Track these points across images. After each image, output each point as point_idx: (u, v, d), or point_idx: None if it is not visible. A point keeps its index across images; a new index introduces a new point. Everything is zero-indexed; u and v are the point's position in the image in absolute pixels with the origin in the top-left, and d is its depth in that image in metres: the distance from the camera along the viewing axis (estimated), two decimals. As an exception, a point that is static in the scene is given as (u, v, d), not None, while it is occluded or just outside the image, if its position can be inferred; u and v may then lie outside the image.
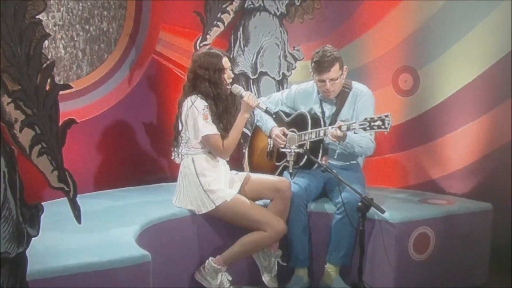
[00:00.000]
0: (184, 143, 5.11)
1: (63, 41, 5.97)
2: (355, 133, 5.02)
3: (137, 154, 6.45)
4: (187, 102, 5.04)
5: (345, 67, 5.27)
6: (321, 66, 5.17)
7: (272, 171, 5.47)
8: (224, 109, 5.06)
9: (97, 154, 6.18)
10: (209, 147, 5.05)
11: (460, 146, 5.71)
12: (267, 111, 5.17)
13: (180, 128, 5.10)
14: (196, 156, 5.08)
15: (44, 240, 3.59)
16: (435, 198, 5.55)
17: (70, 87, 3.29)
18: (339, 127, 4.96)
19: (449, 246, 5.17)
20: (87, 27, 6.13)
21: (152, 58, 6.51)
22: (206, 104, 5.01)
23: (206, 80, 4.99)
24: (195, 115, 4.99)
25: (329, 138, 5.05)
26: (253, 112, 5.27)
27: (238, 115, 5.10)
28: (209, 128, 4.98)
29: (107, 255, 4.08)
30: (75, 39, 6.07)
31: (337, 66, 5.20)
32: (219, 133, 4.99)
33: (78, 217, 3.24)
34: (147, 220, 4.80)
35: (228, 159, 5.16)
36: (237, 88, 5.13)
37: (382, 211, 4.68)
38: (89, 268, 3.94)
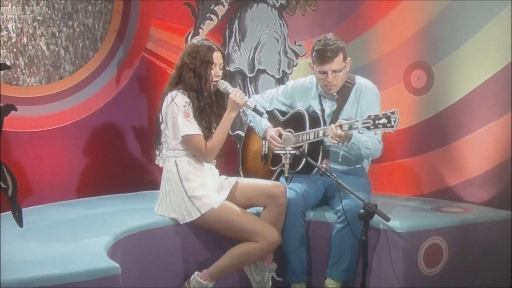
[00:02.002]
0: (166, 143, 4.95)
1: (43, 38, 5.93)
2: (359, 132, 4.84)
3: (126, 160, 6.40)
4: (167, 98, 4.89)
5: (348, 59, 5.12)
6: (323, 55, 5.01)
7: (267, 177, 5.31)
8: (207, 105, 4.92)
9: (82, 160, 6.13)
10: (191, 149, 4.88)
11: (480, 150, 5.51)
12: (255, 110, 4.98)
13: (162, 125, 4.95)
14: (179, 159, 4.92)
15: (6, 250, 3.53)
16: (450, 206, 5.40)
17: (8, 67, 3.06)
18: (340, 126, 4.74)
19: (465, 259, 5.00)
20: (70, 22, 6.11)
21: (142, 57, 6.50)
22: (188, 100, 4.85)
23: (191, 70, 4.86)
24: (175, 113, 4.83)
25: (329, 140, 4.84)
26: (245, 112, 5.02)
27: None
28: (190, 127, 4.82)
29: (70, 267, 3.91)
30: (57, 35, 6.04)
31: (340, 56, 5.05)
32: (201, 133, 4.84)
33: (19, 219, 2.97)
34: (123, 230, 4.67)
35: (211, 162, 5.00)
36: (224, 84, 4.93)
37: (387, 219, 4.44)
38: (49, 281, 3.77)
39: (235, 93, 4.88)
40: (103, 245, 4.30)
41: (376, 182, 5.52)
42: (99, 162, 6.18)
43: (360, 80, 5.24)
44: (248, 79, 6.35)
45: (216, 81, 4.92)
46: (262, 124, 5.33)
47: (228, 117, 4.90)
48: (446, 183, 5.70)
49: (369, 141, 4.98)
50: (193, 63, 4.87)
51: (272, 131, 5.26)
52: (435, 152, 5.73)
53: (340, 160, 5.18)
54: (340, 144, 4.91)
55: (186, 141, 4.85)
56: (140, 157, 6.31)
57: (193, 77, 4.86)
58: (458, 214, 5.19)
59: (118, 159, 6.33)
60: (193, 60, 4.87)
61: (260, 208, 4.99)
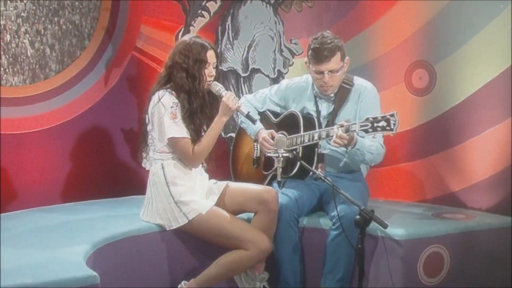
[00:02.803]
0: (152, 145, 4.88)
1: (28, 36, 5.87)
2: (359, 136, 4.80)
3: (114, 164, 6.36)
4: (154, 98, 4.82)
5: (347, 58, 5.06)
6: (319, 54, 4.94)
7: (259, 181, 5.23)
8: (198, 107, 4.84)
9: (68, 163, 6.09)
10: (176, 152, 4.81)
11: (484, 153, 5.50)
12: (248, 117, 4.91)
13: (148, 126, 4.88)
14: (166, 162, 4.84)
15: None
16: (452, 213, 5.35)
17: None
18: (342, 126, 4.68)
19: (467, 268, 4.96)
20: (56, 19, 6.04)
21: (131, 55, 6.47)
22: (176, 101, 4.77)
23: (183, 70, 4.78)
24: (161, 113, 4.75)
25: (332, 144, 4.77)
26: (237, 113, 4.98)
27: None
28: (177, 130, 4.74)
29: (46, 276, 3.80)
30: (42, 33, 5.97)
31: (338, 55, 4.98)
32: (188, 137, 4.77)
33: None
34: (105, 237, 4.60)
35: (197, 167, 4.93)
36: (217, 86, 4.85)
37: (385, 226, 4.37)
38: (21, 291, 3.70)
39: (228, 97, 4.80)
40: (83, 253, 4.24)
41: (375, 187, 5.50)
42: (86, 165, 6.12)
43: (358, 81, 5.18)
44: (241, 79, 6.31)
45: (210, 81, 4.85)
46: (254, 125, 5.24)
47: (219, 121, 4.82)
48: (448, 189, 5.68)
49: (373, 146, 4.94)
50: (185, 63, 4.78)
51: (264, 133, 5.20)
52: (437, 156, 5.72)
53: (341, 165, 5.14)
54: (344, 149, 4.88)
55: (172, 144, 4.77)
56: (129, 160, 6.23)
57: (186, 77, 4.78)
58: (460, 221, 5.15)
59: (106, 163, 6.28)
60: (185, 59, 4.79)
61: (251, 214, 4.94)
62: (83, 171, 6.10)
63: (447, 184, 5.70)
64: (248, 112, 4.92)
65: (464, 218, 5.20)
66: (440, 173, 5.72)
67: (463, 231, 4.98)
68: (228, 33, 6.29)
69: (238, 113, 4.95)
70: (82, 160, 6.11)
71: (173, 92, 4.78)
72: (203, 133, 4.84)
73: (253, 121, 4.98)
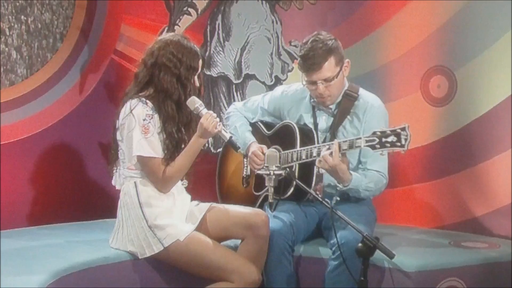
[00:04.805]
0: (123, 159, 4.83)
1: None
2: (360, 160, 4.96)
3: (87, 184, 6.34)
4: (126, 107, 4.74)
5: (346, 61, 5.00)
6: (308, 62, 4.91)
7: (249, 203, 5.17)
8: (185, 120, 4.80)
9: (36, 181, 6.03)
10: (145, 172, 4.75)
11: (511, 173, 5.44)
12: (230, 142, 4.83)
13: (118, 135, 4.83)
14: (140, 180, 4.76)
15: None
16: (473, 241, 5.30)
17: None
18: (332, 153, 4.68)
19: None
20: (23, 17, 6.00)
21: (111, 59, 6.47)
22: (150, 113, 4.68)
23: (173, 76, 4.71)
24: (131, 126, 4.65)
25: (317, 164, 4.81)
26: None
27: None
28: (146, 148, 4.64)
29: None
30: (7, 33, 5.94)
31: (332, 61, 4.92)
32: (159, 156, 4.70)
33: None
34: (65, 266, 4.51)
35: (166, 192, 4.81)
36: (196, 103, 4.75)
37: (391, 255, 4.31)
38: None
39: (207, 118, 4.71)
40: (37, 285, 4.19)
41: (384, 211, 5.51)
42: (55, 184, 6.07)
43: (364, 95, 5.13)
44: (233, 86, 6.31)
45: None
46: (245, 138, 5.23)
47: (196, 142, 4.75)
48: (469, 213, 5.66)
49: (371, 183, 4.95)
50: (177, 68, 4.72)
51: (255, 147, 5.17)
52: (457, 176, 5.70)
53: (334, 202, 5.06)
54: (338, 186, 4.87)
55: (140, 163, 4.71)
56: (104, 179, 6.05)
57: (176, 83, 4.73)
58: (481, 250, 5.10)
59: (78, 181, 6.25)
60: (177, 63, 4.72)
61: (238, 241, 4.90)
62: (50, 191, 6.06)
63: (467, 208, 5.67)
64: (231, 136, 4.87)
65: (486, 247, 5.15)
66: (459, 196, 5.70)
67: (484, 262, 4.92)
68: (218, 34, 6.31)
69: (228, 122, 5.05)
70: (50, 177, 6.07)
71: (148, 102, 4.70)
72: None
73: (236, 149, 4.92)
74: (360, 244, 4.31)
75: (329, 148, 4.71)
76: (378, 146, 4.51)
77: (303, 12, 6.12)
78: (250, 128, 5.25)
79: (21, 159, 5.88)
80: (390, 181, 5.16)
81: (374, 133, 4.54)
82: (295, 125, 5.08)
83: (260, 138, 5.25)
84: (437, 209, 5.83)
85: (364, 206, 5.11)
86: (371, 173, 4.92)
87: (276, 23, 6.20)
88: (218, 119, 4.78)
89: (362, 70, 5.35)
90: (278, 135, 5.20)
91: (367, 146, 4.55)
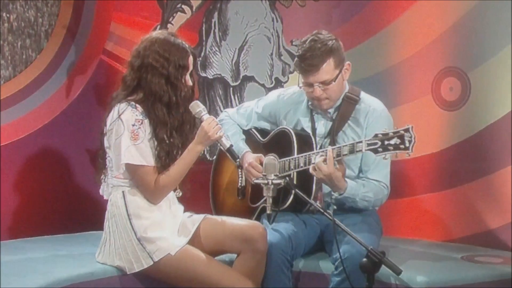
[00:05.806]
0: (110, 167, 4.80)
1: None
2: (361, 168, 4.94)
3: (73, 193, 6.40)
4: (114, 112, 4.71)
5: (347, 63, 4.99)
6: (305, 62, 4.88)
7: (246, 215, 5.15)
8: (177, 124, 4.76)
9: (18, 191, 6.11)
10: (135, 182, 4.73)
11: None
12: (230, 151, 4.82)
13: (105, 142, 4.81)
14: (128, 190, 4.73)
15: None
16: (487, 255, 5.27)
17: None
18: (326, 160, 4.68)
19: None
20: (5, 15, 6.06)
21: (100, 60, 6.52)
22: (140, 118, 4.65)
23: (162, 76, 4.68)
24: (119, 132, 4.63)
25: (310, 171, 4.77)
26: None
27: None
28: (134, 155, 4.61)
29: None
30: None
31: (330, 62, 4.89)
32: (150, 164, 4.68)
33: None
34: (47, 282, 4.47)
35: (158, 203, 4.78)
36: (198, 107, 4.75)
37: (398, 271, 4.23)
38: None
39: (209, 122, 4.71)
40: None
41: (390, 223, 5.49)
42: (39, 194, 6.13)
43: (366, 98, 5.13)
44: (231, 88, 6.32)
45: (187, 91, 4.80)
46: (238, 148, 5.19)
47: (193, 150, 4.73)
48: (483, 226, 5.61)
49: (370, 192, 4.93)
50: (165, 68, 4.69)
51: (251, 158, 5.15)
52: (470, 186, 5.67)
53: (331, 210, 5.06)
54: (334, 194, 4.89)
55: (129, 171, 4.69)
56: (92, 188, 6.04)
57: (165, 85, 4.70)
58: (495, 265, 5.06)
59: (64, 190, 6.31)
60: (165, 63, 4.69)
61: (234, 256, 4.85)
62: (34, 201, 6.10)
63: (480, 220, 5.63)
64: (231, 145, 4.85)
65: (501, 263, 5.11)
66: (472, 207, 5.66)
67: (499, 278, 4.88)
68: (214, 33, 6.31)
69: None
70: (33, 188, 6.11)
71: (138, 106, 4.68)
72: (177, 158, 4.79)
73: (235, 159, 4.90)
74: (364, 259, 4.25)
75: (322, 155, 4.72)
76: (380, 149, 4.50)
77: (306, 10, 6.12)
78: (244, 137, 5.25)
79: (3, 166, 5.88)
80: (397, 191, 5.17)
81: (376, 135, 4.51)
82: (292, 131, 5.06)
83: (255, 146, 5.25)
84: (447, 221, 5.81)
85: (369, 218, 5.08)
86: (370, 182, 4.92)
87: (277, 21, 6.21)
88: (220, 125, 4.79)
89: (368, 72, 5.37)
90: (274, 142, 5.20)
91: (369, 150, 4.54)
